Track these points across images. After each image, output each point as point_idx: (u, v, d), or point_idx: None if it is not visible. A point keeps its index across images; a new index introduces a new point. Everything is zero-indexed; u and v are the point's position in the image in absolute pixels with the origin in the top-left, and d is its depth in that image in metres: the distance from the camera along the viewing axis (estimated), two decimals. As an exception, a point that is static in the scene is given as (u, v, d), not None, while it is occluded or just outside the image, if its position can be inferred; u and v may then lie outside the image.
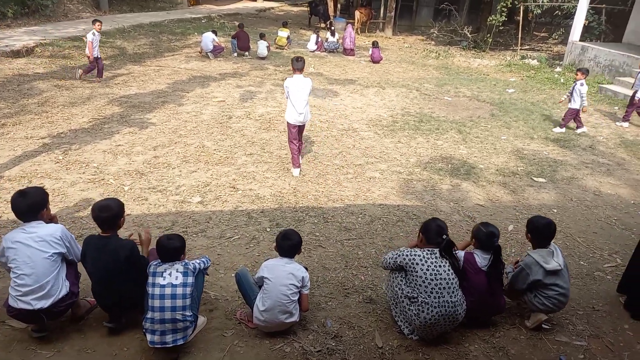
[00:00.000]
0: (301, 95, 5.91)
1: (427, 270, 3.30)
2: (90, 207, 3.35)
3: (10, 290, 3.12)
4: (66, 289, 3.22)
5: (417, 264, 3.33)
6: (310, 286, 3.52)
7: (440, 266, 3.32)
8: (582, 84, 8.36)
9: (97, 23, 9.88)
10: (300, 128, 6.29)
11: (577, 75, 8.56)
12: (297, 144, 6.29)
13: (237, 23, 16.98)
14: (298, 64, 5.88)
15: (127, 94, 9.49)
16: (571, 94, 8.60)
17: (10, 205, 3.19)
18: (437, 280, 3.29)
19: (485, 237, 3.50)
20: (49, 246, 3.12)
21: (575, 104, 8.52)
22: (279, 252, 3.54)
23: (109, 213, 3.26)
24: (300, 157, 6.53)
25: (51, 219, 3.44)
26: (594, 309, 3.98)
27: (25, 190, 3.22)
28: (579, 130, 8.81)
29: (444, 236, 3.40)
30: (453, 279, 3.34)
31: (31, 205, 3.16)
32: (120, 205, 3.37)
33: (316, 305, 3.86)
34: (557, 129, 8.84)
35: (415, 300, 3.33)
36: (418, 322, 3.33)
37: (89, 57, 9.91)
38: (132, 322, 3.44)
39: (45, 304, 3.10)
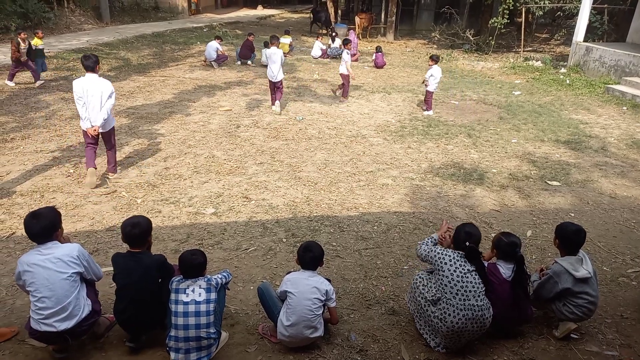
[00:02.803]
0: (275, 61, 9.07)
1: (455, 271, 3.28)
2: (121, 225, 3.33)
3: (31, 313, 3.05)
4: (89, 307, 3.17)
5: (446, 263, 3.32)
6: (335, 298, 3.43)
7: (468, 270, 3.30)
8: (433, 69, 9.44)
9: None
10: (272, 83, 9.29)
11: (430, 62, 9.58)
12: (273, 91, 9.46)
13: (238, 32, 17.04)
14: (273, 39, 9.30)
15: (133, 105, 9.46)
16: (428, 78, 9.58)
17: (23, 227, 3.10)
18: (464, 282, 3.25)
19: (507, 247, 3.44)
20: (66, 266, 3.05)
21: (430, 87, 9.60)
22: (300, 265, 3.47)
23: (140, 229, 3.25)
24: (276, 100, 9.46)
25: (65, 240, 3.37)
26: (622, 317, 3.90)
27: (38, 211, 3.15)
28: (425, 113, 9.65)
29: (467, 243, 3.36)
30: (479, 284, 3.30)
31: (45, 227, 3.08)
32: (149, 222, 3.37)
33: (339, 318, 3.78)
34: (426, 112, 9.82)
35: (440, 301, 3.29)
36: (444, 327, 3.26)
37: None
38: (152, 340, 3.38)
39: (69, 324, 3.04)
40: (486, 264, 3.49)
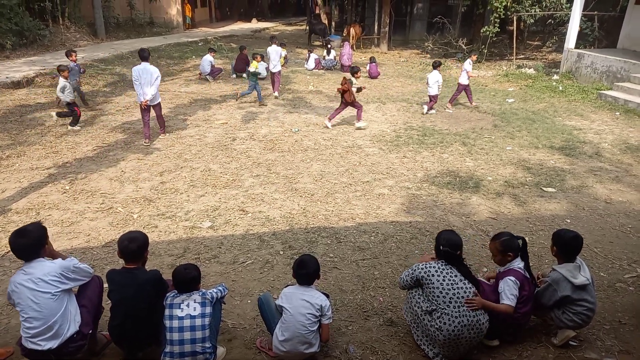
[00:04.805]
0: (274, 57, 11.69)
1: (444, 280, 3.30)
2: (117, 240, 3.30)
3: (21, 331, 3.05)
4: (75, 327, 3.12)
5: (433, 275, 3.34)
6: (331, 315, 3.39)
7: (455, 275, 3.34)
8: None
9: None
10: (272, 74, 11.89)
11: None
12: (273, 81, 12.02)
13: (233, 45, 17.14)
14: (272, 39, 12.19)
15: (129, 120, 9.47)
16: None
17: (9, 245, 3.07)
18: (455, 289, 3.27)
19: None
20: (49, 286, 3.01)
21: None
22: (296, 281, 3.45)
23: (137, 244, 3.22)
24: (275, 90, 11.99)
25: (53, 255, 3.31)
26: (620, 323, 3.89)
27: (23, 229, 3.11)
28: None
29: (441, 247, 3.41)
30: (470, 288, 3.32)
31: (30, 245, 3.05)
32: (146, 237, 3.35)
33: (336, 330, 3.77)
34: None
35: (435, 311, 3.29)
36: (442, 336, 3.25)
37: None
38: (148, 357, 3.34)
39: (54, 344, 3.02)
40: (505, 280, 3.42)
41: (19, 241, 3.02)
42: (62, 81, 8.52)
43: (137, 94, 7.78)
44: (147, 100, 7.73)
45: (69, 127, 8.65)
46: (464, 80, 10.82)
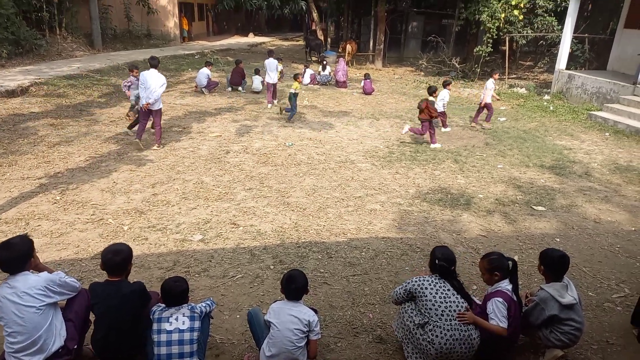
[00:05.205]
0: (272, 69, 12.52)
1: (437, 293, 3.35)
2: (101, 252, 3.28)
3: (4, 346, 3.00)
4: (60, 342, 3.08)
5: (426, 288, 3.38)
6: (319, 330, 3.37)
7: (448, 290, 3.38)
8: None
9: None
10: (269, 84, 12.60)
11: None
12: (270, 91, 12.74)
13: (230, 58, 17.28)
14: (270, 53, 12.98)
15: (123, 131, 9.46)
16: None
17: None
18: (447, 303, 3.32)
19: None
20: (34, 300, 2.97)
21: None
22: (285, 296, 3.44)
23: (121, 257, 3.21)
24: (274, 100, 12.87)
25: (39, 269, 3.27)
26: (608, 343, 3.90)
27: (9, 241, 3.08)
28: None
29: (437, 261, 3.46)
30: (462, 303, 3.36)
31: (15, 258, 3.02)
32: (130, 250, 3.34)
33: (325, 346, 3.75)
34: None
35: (427, 324, 3.31)
36: (433, 350, 3.25)
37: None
38: (135, 371, 3.30)
39: (38, 359, 2.97)
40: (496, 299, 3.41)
41: (4, 254, 2.99)
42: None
43: (141, 97, 8.16)
44: (149, 104, 8.04)
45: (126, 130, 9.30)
46: (488, 99, 10.86)
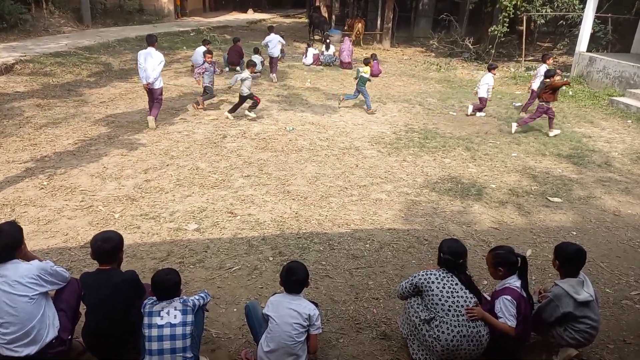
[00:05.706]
0: (274, 43, 13.72)
1: (444, 288, 3.37)
2: (90, 240, 3.29)
3: None
4: (54, 332, 3.11)
5: (433, 282, 3.41)
6: (320, 325, 3.39)
7: (456, 284, 3.41)
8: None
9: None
10: (271, 58, 13.78)
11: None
12: (271, 65, 13.79)
13: (227, 36, 17.17)
14: (270, 29, 14.43)
15: (114, 112, 9.46)
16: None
17: None
18: (454, 298, 3.34)
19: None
20: (26, 289, 2.99)
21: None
22: (284, 288, 3.45)
23: (111, 245, 3.22)
24: (273, 73, 13.73)
25: (27, 257, 3.29)
26: (625, 342, 3.92)
27: None
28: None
29: (442, 254, 3.50)
30: (471, 298, 3.38)
31: (5, 245, 3.03)
32: (121, 237, 3.35)
33: (326, 342, 3.78)
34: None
35: (434, 320, 3.33)
36: (439, 347, 3.28)
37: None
38: (126, 367, 3.34)
39: (32, 350, 3.00)
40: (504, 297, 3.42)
41: None
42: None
43: (141, 77, 8.57)
44: (149, 83, 8.43)
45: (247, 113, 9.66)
46: (536, 85, 10.68)
